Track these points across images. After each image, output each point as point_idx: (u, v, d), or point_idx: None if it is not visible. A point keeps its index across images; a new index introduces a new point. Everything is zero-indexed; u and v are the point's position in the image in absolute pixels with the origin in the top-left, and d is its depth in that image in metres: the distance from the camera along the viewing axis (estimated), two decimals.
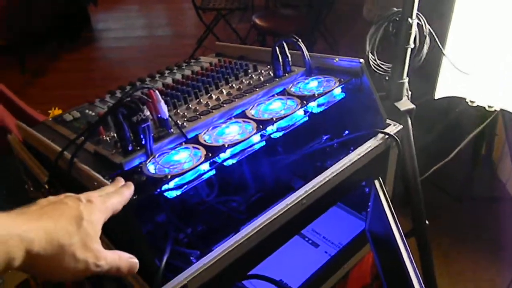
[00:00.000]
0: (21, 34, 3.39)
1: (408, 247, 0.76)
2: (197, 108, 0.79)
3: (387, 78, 1.35)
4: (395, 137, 0.84)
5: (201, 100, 0.83)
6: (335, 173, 0.76)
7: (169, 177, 0.62)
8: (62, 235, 0.43)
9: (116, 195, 0.54)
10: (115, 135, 0.74)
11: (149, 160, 0.67)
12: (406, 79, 1.31)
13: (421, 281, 0.71)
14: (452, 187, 1.96)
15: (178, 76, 1.00)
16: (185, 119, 0.76)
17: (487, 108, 1.47)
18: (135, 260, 0.52)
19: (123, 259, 0.50)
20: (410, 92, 1.37)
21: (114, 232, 0.63)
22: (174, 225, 0.74)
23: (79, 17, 4.25)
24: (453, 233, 1.82)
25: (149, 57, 3.82)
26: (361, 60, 0.83)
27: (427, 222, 1.43)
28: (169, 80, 0.98)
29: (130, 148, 0.68)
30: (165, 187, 0.62)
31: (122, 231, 0.61)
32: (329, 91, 0.80)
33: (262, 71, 0.92)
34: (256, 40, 3.19)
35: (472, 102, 1.51)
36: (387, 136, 0.84)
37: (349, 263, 0.94)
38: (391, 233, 0.79)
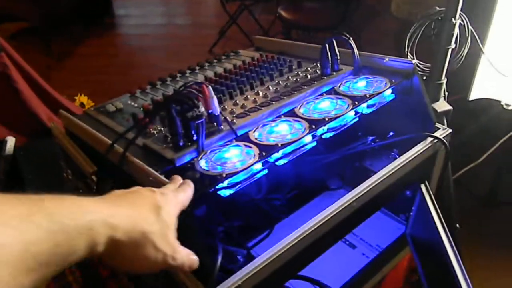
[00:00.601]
0: (46, 16, 3.40)
1: (458, 254, 0.74)
2: (245, 104, 0.78)
3: (424, 78, 1.32)
4: (444, 141, 0.82)
5: (248, 96, 0.81)
6: (384, 177, 0.75)
7: (224, 175, 0.61)
8: (144, 222, 0.43)
9: (182, 192, 0.53)
10: (164, 128, 0.73)
11: (200, 156, 0.66)
12: (444, 80, 1.29)
13: (470, 284, 0.70)
14: (481, 191, 1.93)
15: (219, 70, 0.98)
16: (234, 115, 0.75)
17: None
18: (195, 258, 0.51)
19: (189, 256, 0.50)
20: (447, 93, 1.34)
21: None
22: (223, 223, 0.73)
23: (102, 1, 4.24)
24: (478, 238, 1.79)
25: (169, 46, 3.81)
26: (414, 60, 0.80)
27: (458, 225, 1.41)
28: (210, 74, 0.97)
29: (181, 143, 0.67)
30: (219, 185, 0.61)
31: (178, 228, 0.60)
32: (381, 92, 0.78)
33: (308, 68, 0.90)
34: (280, 33, 3.15)
35: (508, 105, 1.48)
36: (436, 140, 0.82)
37: (388, 266, 0.92)
38: (438, 239, 0.77)
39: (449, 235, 0.77)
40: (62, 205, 0.37)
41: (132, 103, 0.90)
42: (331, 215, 0.68)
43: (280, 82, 0.85)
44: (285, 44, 1.06)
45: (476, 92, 1.52)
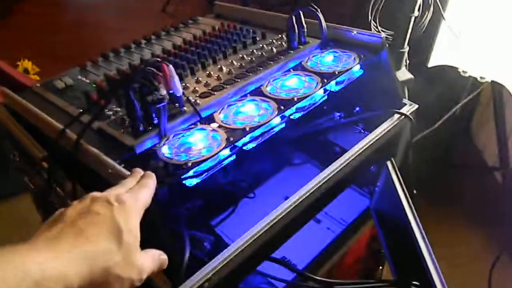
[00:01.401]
0: None
1: (422, 229, 0.75)
2: (208, 82, 0.73)
3: (387, 45, 1.31)
4: (411, 117, 0.81)
5: (211, 73, 0.76)
6: (354, 156, 0.74)
7: (189, 164, 0.57)
8: (104, 258, 0.38)
9: (144, 189, 0.48)
10: (120, 109, 0.68)
11: (162, 142, 0.62)
12: (407, 48, 1.28)
13: (436, 262, 0.71)
14: (436, 155, 1.99)
15: (178, 40, 0.92)
16: (197, 95, 0.70)
17: (479, 79, 1.47)
18: (164, 257, 0.47)
19: (156, 260, 0.46)
20: (408, 62, 1.34)
21: None
22: (185, 206, 0.70)
23: None
24: (433, 200, 1.86)
25: (120, 4, 3.58)
26: (383, 34, 0.78)
27: (415, 191, 1.45)
28: (168, 45, 0.90)
29: (141, 128, 0.62)
30: (184, 175, 0.57)
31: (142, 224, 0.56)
32: (350, 69, 0.75)
33: (273, 41, 0.86)
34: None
35: (464, 72, 1.51)
36: (403, 117, 0.81)
37: (352, 240, 0.93)
38: (404, 215, 0.78)
39: (415, 212, 0.78)
40: (6, 266, 0.32)
41: (83, 79, 0.83)
42: (304, 197, 0.67)
43: (245, 56, 0.81)
44: (248, 12, 1.00)
45: (435, 59, 1.53)
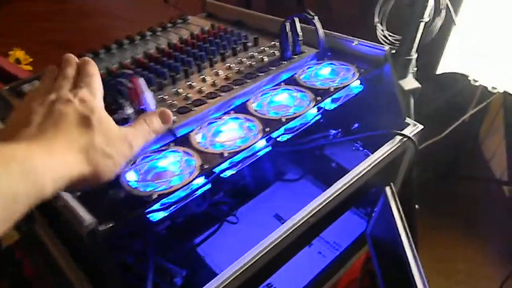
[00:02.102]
0: None
1: (418, 260, 0.68)
2: (188, 95, 0.65)
3: (393, 51, 1.22)
4: (414, 140, 0.73)
5: (192, 83, 0.68)
6: (351, 181, 0.66)
7: (154, 197, 0.49)
8: (82, 142, 0.40)
9: (93, 77, 0.48)
10: None
11: (128, 166, 0.54)
12: (414, 56, 1.19)
13: None
14: (441, 166, 1.91)
15: (163, 43, 0.84)
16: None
17: (490, 89, 1.39)
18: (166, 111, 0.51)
19: (150, 117, 0.49)
20: (415, 69, 1.25)
21: (86, 261, 0.52)
22: (153, 248, 0.63)
23: None
24: (435, 212, 1.78)
25: None
26: (386, 47, 0.69)
27: (417, 206, 1.37)
28: (151, 47, 0.82)
29: None
30: (149, 209, 0.50)
31: (92, 261, 0.49)
32: (347, 85, 0.67)
33: (265, 49, 0.77)
34: None
35: (475, 81, 1.42)
36: (405, 139, 0.73)
37: (346, 267, 0.86)
38: (399, 244, 0.71)
39: (413, 245, 0.71)
40: None
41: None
42: (300, 222, 0.60)
43: (232, 65, 0.73)
44: (242, 13, 0.92)
45: (444, 66, 1.45)
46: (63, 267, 0.56)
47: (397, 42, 1.20)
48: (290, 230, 0.60)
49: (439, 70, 1.44)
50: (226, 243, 0.83)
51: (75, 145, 0.39)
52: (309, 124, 0.65)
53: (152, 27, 0.91)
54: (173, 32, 0.90)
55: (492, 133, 1.99)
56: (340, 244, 0.88)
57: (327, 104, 0.67)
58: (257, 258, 0.56)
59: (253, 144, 0.57)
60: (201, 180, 0.54)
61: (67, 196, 0.48)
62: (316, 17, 0.70)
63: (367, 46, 0.72)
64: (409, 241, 0.73)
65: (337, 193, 0.65)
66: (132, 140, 0.44)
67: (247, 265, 0.55)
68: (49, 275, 0.72)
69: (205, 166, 0.53)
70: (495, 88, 1.39)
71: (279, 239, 0.59)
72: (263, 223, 0.88)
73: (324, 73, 0.71)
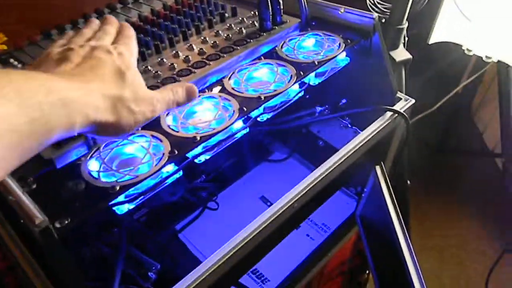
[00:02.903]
0: None
1: (409, 240, 0.64)
2: (159, 72, 0.59)
3: (383, 21, 1.16)
4: (406, 115, 0.68)
5: (164, 60, 0.62)
6: (342, 159, 0.61)
7: (117, 188, 0.44)
8: (114, 92, 0.40)
9: (132, 39, 0.49)
10: None
11: (90, 153, 0.49)
12: (405, 25, 1.13)
13: (421, 275, 0.62)
14: (434, 138, 1.87)
15: (134, 15, 0.77)
16: None
17: (484, 58, 1.33)
18: (188, 85, 0.48)
19: (178, 88, 0.47)
20: (407, 39, 1.19)
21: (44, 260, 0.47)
22: (125, 240, 0.58)
23: None
24: (426, 185, 1.75)
25: None
26: (375, 15, 0.64)
27: (408, 182, 1.34)
28: (121, 20, 0.75)
29: None
30: (113, 201, 0.45)
31: (50, 261, 0.44)
32: (332, 58, 0.61)
33: (244, 19, 0.71)
34: None
35: (469, 50, 1.37)
36: (396, 115, 0.68)
37: (335, 249, 0.82)
38: (390, 224, 0.67)
39: (403, 225, 0.67)
40: (31, 81, 0.33)
41: (16, 63, 0.69)
42: (287, 206, 0.56)
43: (207, 38, 0.67)
44: None
45: (436, 35, 1.39)
46: (23, 265, 0.51)
47: (387, 11, 1.14)
48: (276, 214, 0.56)
49: (432, 40, 1.38)
50: (210, 228, 0.79)
51: (107, 93, 0.40)
52: (292, 101, 0.60)
53: None
54: (145, 4, 0.83)
55: (485, 104, 1.95)
56: (329, 226, 0.84)
57: (311, 79, 0.62)
58: (242, 244, 0.52)
59: (229, 125, 0.52)
60: (171, 167, 0.49)
61: (19, 190, 0.42)
62: None
63: (354, 14, 0.66)
64: (399, 222, 0.69)
65: (325, 174, 0.61)
66: (157, 104, 0.44)
67: (232, 252, 0.52)
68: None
69: (175, 152, 0.48)
70: (489, 58, 1.34)
71: (265, 224, 0.54)
72: (248, 206, 0.84)
73: (307, 45, 0.66)
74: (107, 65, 0.43)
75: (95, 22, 0.52)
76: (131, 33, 0.50)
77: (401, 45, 1.17)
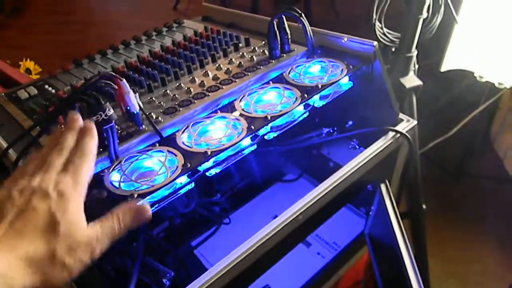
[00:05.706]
0: None
1: (413, 258, 0.67)
2: (176, 95, 0.66)
3: (393, 49, 1.21)
4: (408, 136, 0.72)
5: (182, 84, 0.69)
6: (342, 178, 0.65)
7: (135, 196, 0.50)
8: (43, 252, 0.39)
9: (84, 161, 0.46)
10: None
11: (113, 166, 0.55)
12: (415, 53, 1.18)
13: None
14: (450, 165, 1.87)
15: (157, 46, 0.85)
16: (161, 110, 0.63)
17: (496, 85, 1.36)
18: (143, 206, 0.46)
19: (125, 213, 0.45)
20: (417, 66, 1.24)
21: None
22: (138, 248, 0.63)
23: None
24: (445, 212, 1.75)
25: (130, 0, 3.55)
26: (375, 43, 0.69)
27: (424, 206, 1.35)
28: (145, 51, 0.83)
29: None
30: None
31: None
32: (335, 82, 0.66)
33: (256, 48, 0.78)
34: None
35: (481, 77, 1.39)
36: (398, 135, 0.72)
37: (345, 268, 0.85)
38: (395, 243, 0.69)
39: (407, 242, 0.69)
40: None
41: (50, 88, 0.76)
42: (290, 219, 0.60)
43: (222, 65, 0.73)
44: (236, 15, 0.92)
45: (449, 63, 1.42)
46: None
47: (397, 40, 1.19)
48: (281, 226, 0.60)
49: (444, 68, 1.42)
50: (223, 244, 0.83)
51: (35, 258, 0.38)
52: (297, 121, 0.65)
53: (148, 31, 0.92)
54: (168, 36, 0.91)
55: (504, 131, 1.95)
56: (339, 244, 0.87)
57: (316, 101, 0.67)
58: (247, 254, 0.56)
59: (237, 142, 0.57)
60: (184, 179, 0.54)
61: None
62: (303, 15, 0.69)
63: (356, 42, 0.71)
64: (404, 239, 0.72)
65: (329, 189, 0.65)
66: (97, 246, 0.42)
67: (236, 262, 0.55)
68: None
69: (188, 165, 0.54)
70: (501, 84, 1.36)
71: (270, 235, 0.58)
72: (261, 224, 0.88)
73: (313, 70, 0.71)
74: (40, 218, 0.40)
75: (55, 136, 0.49)
76: (88, 147, 0.47)
77: (411, 72, 1.22)
